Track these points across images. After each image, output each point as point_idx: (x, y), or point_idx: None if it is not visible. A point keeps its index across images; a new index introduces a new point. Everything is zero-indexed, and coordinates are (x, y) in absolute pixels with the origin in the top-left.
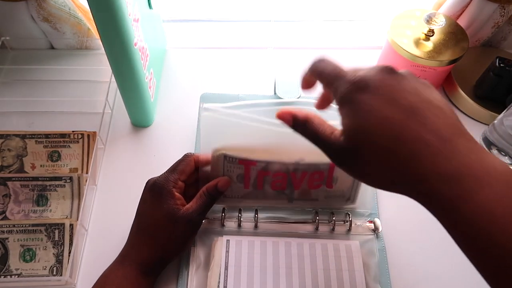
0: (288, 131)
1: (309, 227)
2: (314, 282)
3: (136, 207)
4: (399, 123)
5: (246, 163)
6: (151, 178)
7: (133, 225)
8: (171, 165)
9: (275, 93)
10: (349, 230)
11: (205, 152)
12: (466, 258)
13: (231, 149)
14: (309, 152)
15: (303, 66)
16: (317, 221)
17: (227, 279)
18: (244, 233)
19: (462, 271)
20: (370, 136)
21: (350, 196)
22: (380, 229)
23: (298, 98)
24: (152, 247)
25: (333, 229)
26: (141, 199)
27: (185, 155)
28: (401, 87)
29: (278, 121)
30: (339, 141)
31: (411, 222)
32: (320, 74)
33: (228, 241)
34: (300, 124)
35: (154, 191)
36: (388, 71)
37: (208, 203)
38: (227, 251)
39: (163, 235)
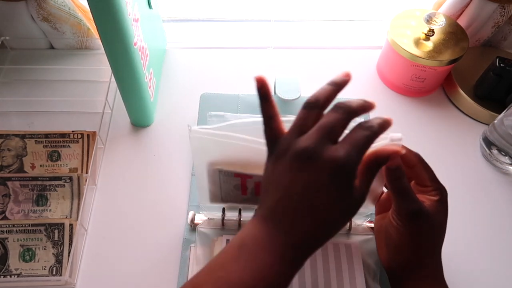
0: None
1: None
2: (313, 282)
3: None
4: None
5: (242, 176)
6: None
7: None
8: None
9: (275, 93)
10: (349, 230)
11: (200, 168)
12: (466, 261)
13: (225, 164)
14: None
15: (303, 66)
16: None
17: None
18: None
19: (462, 271)
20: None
21: None
22: None
23: (298, 98)
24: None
25: None
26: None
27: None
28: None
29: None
30: (425, 208)
31: None
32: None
33: (228, 240)
34: (399, 172)
35: (341, 179)
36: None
37: (370, 180)
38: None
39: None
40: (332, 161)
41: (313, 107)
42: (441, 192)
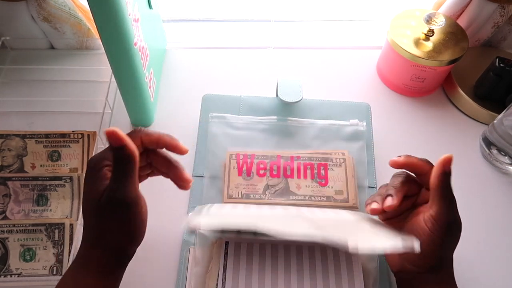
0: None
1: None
2: (312, 286)
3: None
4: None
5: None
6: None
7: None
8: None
9: (277, 95)
10: None
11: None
12: (466, 262)
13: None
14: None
15: (303, 66)
16: None
17: (225, 281)
18: (243, 235)
19: (462, 273)
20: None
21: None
22: None
23: (300, 100)
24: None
25: None
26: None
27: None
28: None
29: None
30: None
31: None
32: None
33: (227, 243)
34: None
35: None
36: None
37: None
38: (226, 253)
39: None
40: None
41: None
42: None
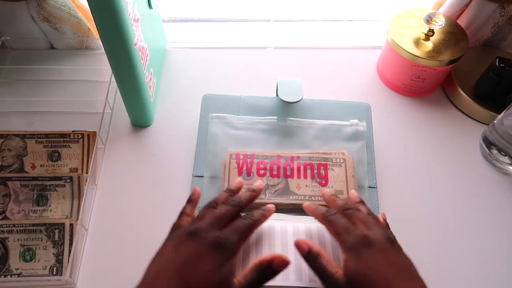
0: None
1: (309, 225)
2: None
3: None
4: (392, 279)
5: None
6: (213, 232)
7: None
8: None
9: (277, 95)
10: None
11: None
12: (466, 260)
13: None
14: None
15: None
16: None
17: None
18: None
19: (463, 273)
20: (370, 282)
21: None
22: None
23: (300, 100)
24: None
25: None
26: (192, 251)
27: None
28: (396, 252)
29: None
30: (342, 280)
31: (412, 227)
32: (330, 224)
33: None
34: (313, 255)
35: (219, 252)
36: (390, 240)
37: (258, 281)
38: None
39: None
40: (214, 238)
41: (213, 206)
42: (350, 248)
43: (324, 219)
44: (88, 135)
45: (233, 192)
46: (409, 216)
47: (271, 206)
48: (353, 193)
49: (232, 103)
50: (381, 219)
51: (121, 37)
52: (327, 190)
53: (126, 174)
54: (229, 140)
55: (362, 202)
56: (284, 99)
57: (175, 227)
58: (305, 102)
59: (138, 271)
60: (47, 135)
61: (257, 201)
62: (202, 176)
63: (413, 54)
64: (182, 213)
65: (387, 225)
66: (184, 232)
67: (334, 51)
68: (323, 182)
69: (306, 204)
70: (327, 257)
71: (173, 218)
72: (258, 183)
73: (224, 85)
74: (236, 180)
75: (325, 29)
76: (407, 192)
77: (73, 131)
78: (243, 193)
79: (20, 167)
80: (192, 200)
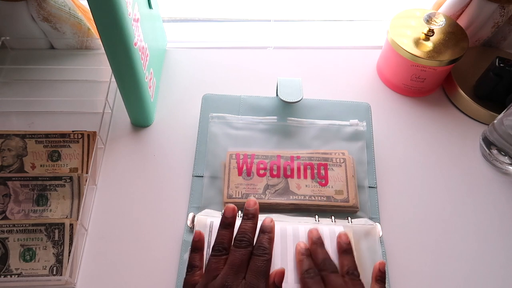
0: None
1: (309, 227)
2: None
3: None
4: None
5: None
6: None
7: None
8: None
9: (277, 95)
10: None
11: None
12: (466, 262)
13: None
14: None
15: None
16: (317, 221)
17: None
18: None
19: (462, 274)
20: None
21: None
22: (380, 234)
23: (300, 100)
24: None
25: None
26: None
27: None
28: None
29: None
30: None
31: (412, 227)
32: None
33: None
34: None
35: None
36: None
37: None
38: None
39: None
40: None
41: (221, 252)
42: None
43: (301, 278)
44: (88, 135)
45: (231, 224)
46: (409, 216)
47: (271, 224)
48: (342, 237)
49: (232, 103)
50: (376, 269)
51: (121, 37)
52: (314, 233)
53: (126, 174)
54: (229, 140)
55: (348, 250)
56: (284, 99)
57: (189, 285)
58: (305, 102)
59: (138, 271)
60: (47, 135)
61: (257, 200)
62: (202, 176)
63: (413, 54)
64: (192, 266)
65: (381, 279)
66: None
67: (334, 51)
68: (323, 182)
69: (297, 248)
70: None
71: (173, 218)
72: (253, 202)
73: (224, 85)
74: (227, 206)
75: (325, 29)
76: (407, 192)
77: (73, 131)
78: (245, 225)
79: (20, 167)
80: (197, 248)
